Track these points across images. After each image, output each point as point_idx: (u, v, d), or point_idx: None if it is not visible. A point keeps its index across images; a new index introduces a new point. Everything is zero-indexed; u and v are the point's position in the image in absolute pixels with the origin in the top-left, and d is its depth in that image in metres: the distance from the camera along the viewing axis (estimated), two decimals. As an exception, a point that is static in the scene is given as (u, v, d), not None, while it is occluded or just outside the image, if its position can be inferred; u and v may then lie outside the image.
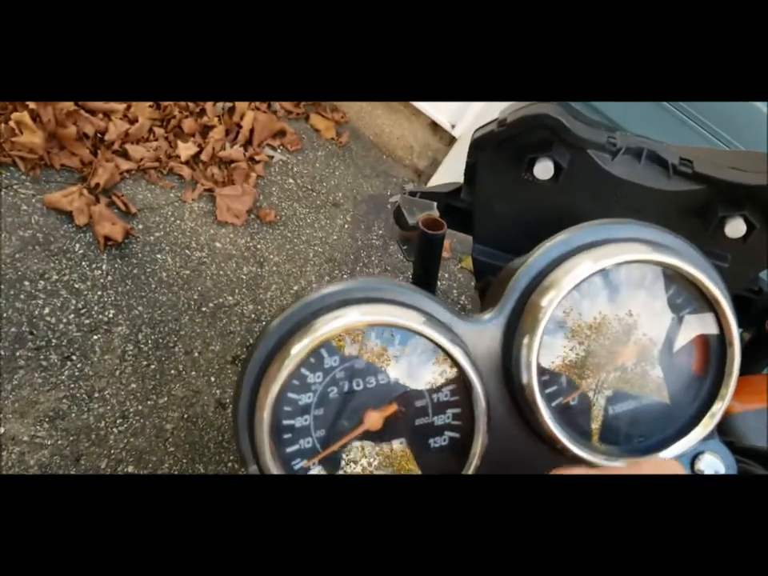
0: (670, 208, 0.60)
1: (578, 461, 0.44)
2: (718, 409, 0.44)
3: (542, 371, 0.44)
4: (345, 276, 2.08)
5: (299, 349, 0.41)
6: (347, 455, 0.43)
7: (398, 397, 0.43)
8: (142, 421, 1.59)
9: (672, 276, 0.45)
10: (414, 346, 0.43)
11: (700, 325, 0.45)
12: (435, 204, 0.69)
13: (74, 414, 1.55)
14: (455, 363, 0.43)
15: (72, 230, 1.76)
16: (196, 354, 1.73)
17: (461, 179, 0.72)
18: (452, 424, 0.44)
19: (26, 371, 1.55)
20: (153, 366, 1.67)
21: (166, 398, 1.64)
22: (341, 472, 0.43)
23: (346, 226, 2.21)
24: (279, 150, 2.24)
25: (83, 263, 1.73)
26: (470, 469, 0.43)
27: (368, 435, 0.43)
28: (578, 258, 0.44)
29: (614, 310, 0.45)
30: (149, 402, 1.62)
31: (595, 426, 0.45)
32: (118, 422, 1.57)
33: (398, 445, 0.43)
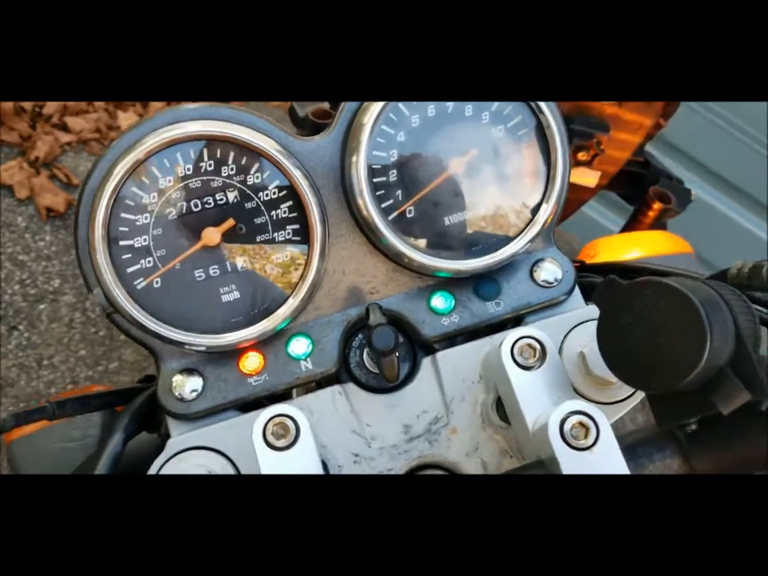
0: None
1: (422, 271, 0.46)
2: (544, 211, 0.46)
3: (376, 187, 0.45)
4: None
5: (124, 164, 0.42)
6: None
7: (236, 214, 0.44)
8: (92, 386, 1.59)
9: None
10: (249, 165, 0.44)
11: (527, 136, 0.47)
12: None
13: (23, 382, 1.54)
14: (289, 178, 0.44)
15: (14, 204, 1.75)
16: (147, 320, 1.73)
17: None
18: (292, 239, 0.45)
19: (-28, 342, 1.54)
20: (101, 333, 1.66)
21: (116, 363, 1.63)
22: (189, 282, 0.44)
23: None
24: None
25: (26, 235, 1.72)
26: (307, 282, 0.44)
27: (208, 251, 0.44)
28: None
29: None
30: (99, 368, 1.61)
31: (431, 234, 0.46)
32: (68, 387, 1.57)
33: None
